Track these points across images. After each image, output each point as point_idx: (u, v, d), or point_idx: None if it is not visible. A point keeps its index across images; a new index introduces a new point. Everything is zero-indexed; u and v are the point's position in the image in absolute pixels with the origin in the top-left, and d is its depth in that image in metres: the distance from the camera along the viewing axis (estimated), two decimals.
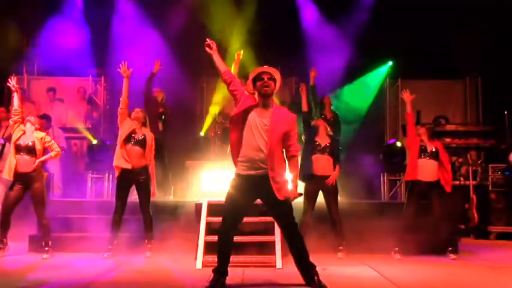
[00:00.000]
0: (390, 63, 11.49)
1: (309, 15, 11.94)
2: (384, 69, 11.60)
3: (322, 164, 6.79)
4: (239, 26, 11.09)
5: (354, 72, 11.38)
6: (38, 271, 5.71)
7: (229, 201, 4.79)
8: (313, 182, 6.73)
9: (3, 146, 8.56)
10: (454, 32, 12.06)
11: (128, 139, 6.65)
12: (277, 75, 4.84)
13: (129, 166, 6.55)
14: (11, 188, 6.63)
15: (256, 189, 4.73)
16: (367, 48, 10.84)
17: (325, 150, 6.84)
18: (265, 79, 4.75)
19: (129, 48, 10.61)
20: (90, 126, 10.40)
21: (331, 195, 6.80)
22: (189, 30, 11.15)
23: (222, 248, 4.82)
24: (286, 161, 4.82)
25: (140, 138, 6.71)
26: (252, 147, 4.70)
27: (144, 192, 6.69)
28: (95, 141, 9.59)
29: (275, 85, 4.82)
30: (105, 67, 11.42)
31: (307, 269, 4.82)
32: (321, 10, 11.75)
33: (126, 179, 6.63)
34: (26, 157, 6.60)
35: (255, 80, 4.84)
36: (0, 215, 6.66)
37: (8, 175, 6.61)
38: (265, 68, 4.88)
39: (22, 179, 6.60)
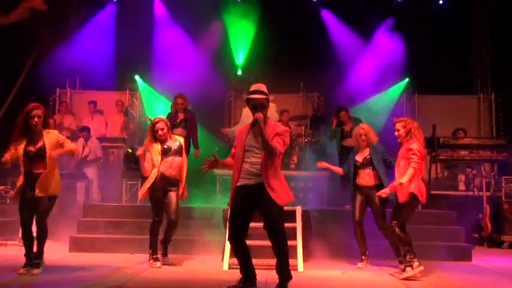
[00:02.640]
0: (407, 79, 11.38)
1: (332, 32, 11.96)
2: (401, 85, 11.49)
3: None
4: (263, 42, 11.20)
5: (372, 88, 11.34)
6: (78, 270, 5.78)
7: (231, 212, 4.82)
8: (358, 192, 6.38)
9: None
10: (469, 50, 12.04)
11: (164, 152, 6.18)
12: (265, 94, 4.77)
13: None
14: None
15: (254, 198, 4.68)
16: (385, 64, 10.81)
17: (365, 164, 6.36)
18: (259, 109, 4.70)
19: (164, 64, 10.78)
20: (126, 136, 10.54)
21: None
22: (219, 46, 11.31)
23: (237, 255, 4.85)
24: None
25: (175, 147, 6.26)
26: (249, 163, 4.72)
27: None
28: (130, 151, 9.69)
29: (268, 104, 4.80)
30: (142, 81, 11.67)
31: (282, 276, 4.74)
32: (343, 27, 11.79)
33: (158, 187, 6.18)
34: None
35: (248, 99, 4.81)
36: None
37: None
38: (256, 95, 4.75)
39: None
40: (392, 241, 5.99)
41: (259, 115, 4.63)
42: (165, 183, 6.14)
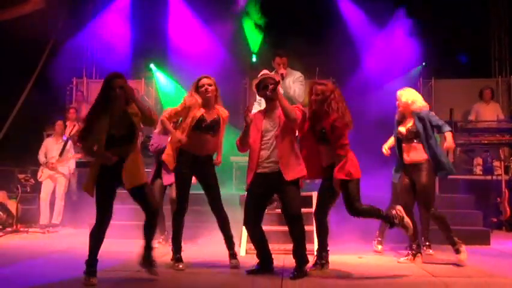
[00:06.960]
0: (423, 63, 11.24)
1: (347, 17, 11.82)
2: (416, 70, 11.35)
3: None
4: (278, 28, 11.12)
5: (387, 72, 11.21)
6: (99, 255, 5.83)
7: (248, 197, 4.90)
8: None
9: (66, 142, 8.86)
10: (486, 33, 11.83)
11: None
12: (276, 77, 4.99)
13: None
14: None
15: (271, 184, 4.77)
16: (400, 49, 10.69)
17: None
18: (269, 89, 4.80)
19: (179, 51, 10.77)
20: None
21: None
22: (235, 33, 11.27)
23: (253, 240, 4.99)
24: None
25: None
26: (266, 149, 4.78)
27: None
28: (146, 138, 9.72)
29: (277, 88, 4.86)
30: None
31: (299, 261, 4.81)
32: (358, 11, 11.64)
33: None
34: None
35: (258, 86, 4.90)
36: None
37: None
38: (265, 75, 4.96)
39: None
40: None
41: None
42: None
